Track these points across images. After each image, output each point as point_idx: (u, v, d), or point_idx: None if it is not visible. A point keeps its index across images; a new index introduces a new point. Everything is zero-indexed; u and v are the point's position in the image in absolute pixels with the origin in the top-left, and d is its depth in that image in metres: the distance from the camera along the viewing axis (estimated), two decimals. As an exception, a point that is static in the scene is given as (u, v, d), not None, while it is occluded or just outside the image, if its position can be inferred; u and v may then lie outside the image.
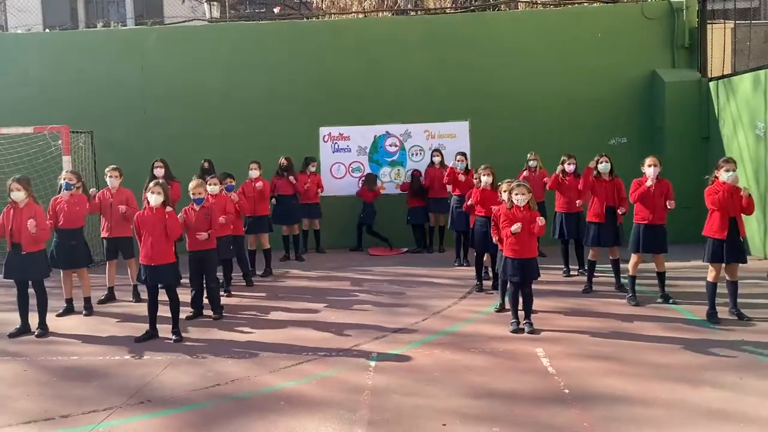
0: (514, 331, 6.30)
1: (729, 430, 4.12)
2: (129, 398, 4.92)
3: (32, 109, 11.43)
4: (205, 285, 7.34)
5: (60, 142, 10.45)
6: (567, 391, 4.82)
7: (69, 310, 7.65)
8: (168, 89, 11.92)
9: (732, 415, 4.32)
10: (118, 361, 5.86)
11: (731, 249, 6.43)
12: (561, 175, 8.58)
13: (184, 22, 14.49)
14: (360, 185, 11.63)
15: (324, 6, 16.64)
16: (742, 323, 6.36)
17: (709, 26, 11.50)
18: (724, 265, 6.50)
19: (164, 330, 6.57)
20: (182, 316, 6.83)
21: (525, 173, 9.42)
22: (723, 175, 6.49)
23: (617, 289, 7.86)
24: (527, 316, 6.43)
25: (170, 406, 4.76)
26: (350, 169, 11.95)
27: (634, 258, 7.30)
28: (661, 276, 7.31)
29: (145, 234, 6.46)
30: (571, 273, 8.79)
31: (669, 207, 7.13)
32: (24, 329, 6.86)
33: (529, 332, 6.26)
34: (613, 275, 8.00)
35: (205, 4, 16.89)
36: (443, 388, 4.95)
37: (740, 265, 6.54)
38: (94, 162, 11.08)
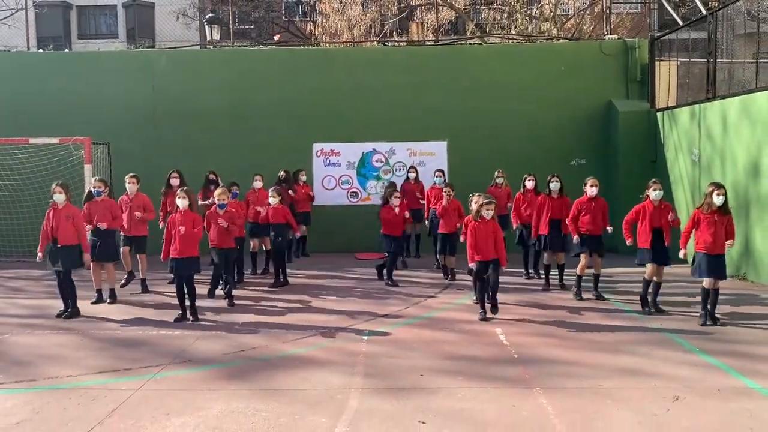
0: (482, 320, 7.66)
1: (629, 380, 5.57)
2: (174, 358, 6.24)
3: (52, 122, 12.58)
4: (224, 279, 8.69)
5: (82, 152, 11.68)
6: (516, 356, 6.25)
7: (100, 299, 8.89)
8: (177, 106, 13.22)
9: (635, 372, 5.77)
10: (156, 334, 7.16)
11: (656, 254, 7.89)
12: (522, 192, 10.03)
13: (189, 46, 15.79)
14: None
15: (317, 32, 18.06)
16: (664, 315, 7.82)
17: (657, 63, 13.13)
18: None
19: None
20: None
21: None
22: (651, 194, 7.97)
23: (560, 287, 9.27)
24: (493, 298, 7.72)
25: (209, 364, 6.09)
26: (340, 181, 13.34)
27: (582, 259, 8.67)
28: (596, 277, 8.74)
29: (176, 232, 7.75)
30: (530, 276, 10.25)
31: (606, 226, 8.60)
32: (66, 310, 8.10)
33: (492, 312, 7.65)
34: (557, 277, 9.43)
35: (207, 26, 18.28)
36: (421, 354, 6.34)
37: (666, 268, 8.00)
38: (110, 171, 12.34)
